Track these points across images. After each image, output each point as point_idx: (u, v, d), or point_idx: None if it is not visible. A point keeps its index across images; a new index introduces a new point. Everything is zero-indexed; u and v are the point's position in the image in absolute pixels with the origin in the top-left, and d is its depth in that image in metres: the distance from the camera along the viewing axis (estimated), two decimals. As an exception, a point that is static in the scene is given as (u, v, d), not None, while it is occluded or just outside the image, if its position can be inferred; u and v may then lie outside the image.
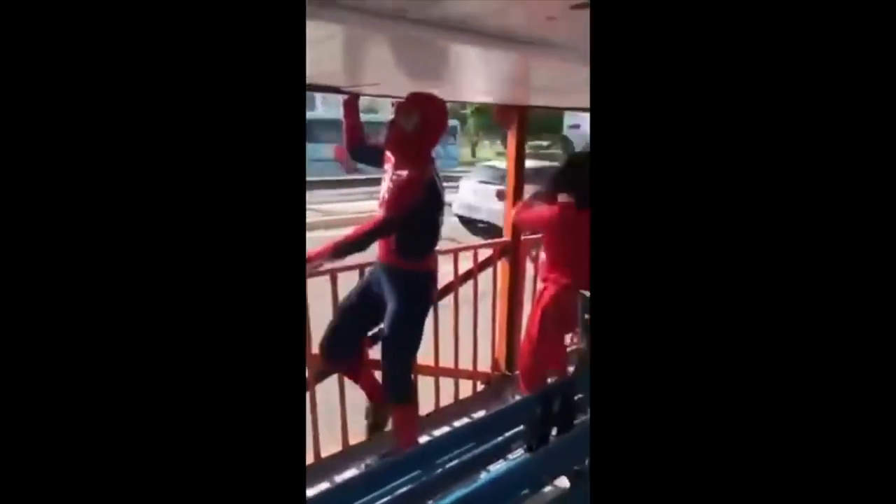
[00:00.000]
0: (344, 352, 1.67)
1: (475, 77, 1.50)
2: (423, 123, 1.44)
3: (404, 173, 1.46)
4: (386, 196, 1.49)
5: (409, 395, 1.64)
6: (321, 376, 1.79)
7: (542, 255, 1.88)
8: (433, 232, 1.54)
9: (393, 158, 1.53)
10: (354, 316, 1.65)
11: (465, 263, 2.18)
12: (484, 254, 2.25)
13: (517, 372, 2.41)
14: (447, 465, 1.29)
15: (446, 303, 2.11)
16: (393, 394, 1.61)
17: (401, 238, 1.49)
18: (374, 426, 1.76)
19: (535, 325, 1.74)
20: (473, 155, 19.54)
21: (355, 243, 1.41)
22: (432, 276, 1.60)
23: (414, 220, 1.45)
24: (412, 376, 1.66)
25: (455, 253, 2.09)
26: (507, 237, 2.31)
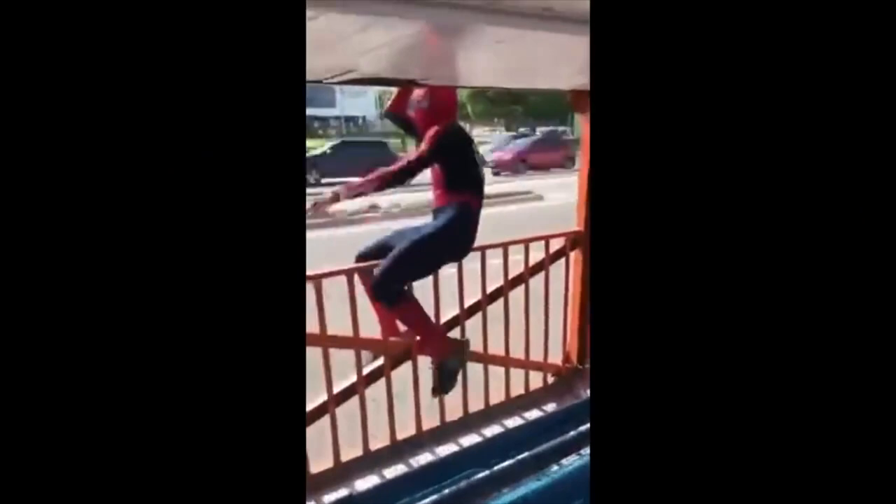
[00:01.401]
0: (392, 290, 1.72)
1: (555, 65, 1.46)
2: (434, 103, 1.73)
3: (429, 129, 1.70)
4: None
5: (392, 300, 1.69)
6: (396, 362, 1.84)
7: None
8: (471, 165, 1.71)
9: (420, 125, 1.77)
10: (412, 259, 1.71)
11: (536, 254, 2.15)
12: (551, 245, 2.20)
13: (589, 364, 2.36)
14: (519, 457, 1.29)
15: (517, 294, 2.09)
16: (379, 292, 1.68)
17: (445, 175, 1.68)
18: (440, 389, 1.76)
19: None
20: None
21: (398, 175, 1.59)
22: (473, 210, 1.71)
23: (448, 155, 1.66)
24: (404, 286, 1.72)
25: (526, 243, 2.06)
26: (579, 227, 2.24)
